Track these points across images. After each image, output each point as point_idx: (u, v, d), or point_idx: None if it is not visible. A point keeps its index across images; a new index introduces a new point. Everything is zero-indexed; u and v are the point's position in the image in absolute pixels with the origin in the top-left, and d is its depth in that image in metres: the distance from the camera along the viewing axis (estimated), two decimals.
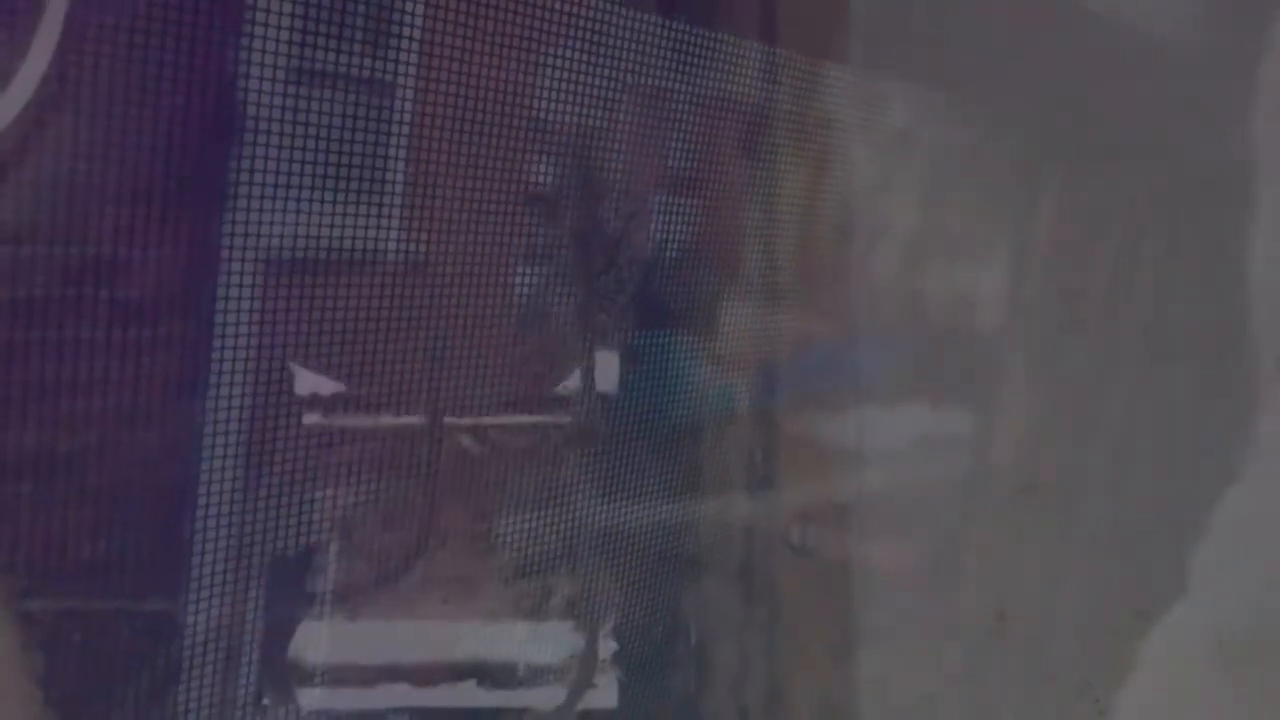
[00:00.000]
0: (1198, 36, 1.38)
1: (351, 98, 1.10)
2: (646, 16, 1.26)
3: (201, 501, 1.07)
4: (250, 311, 1.07)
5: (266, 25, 1.02)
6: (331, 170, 1.10)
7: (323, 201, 1.10)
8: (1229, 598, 1.36)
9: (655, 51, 1.28)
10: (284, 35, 1.03)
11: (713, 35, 1.34)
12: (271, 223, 1.05)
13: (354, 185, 1.12)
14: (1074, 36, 1.45)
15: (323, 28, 1.05)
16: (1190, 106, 1.41)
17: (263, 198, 1.04)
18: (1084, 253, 1.47)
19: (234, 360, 1.07)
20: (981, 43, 1.46)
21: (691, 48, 1.33)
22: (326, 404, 1.34)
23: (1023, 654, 1.45)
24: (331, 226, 1.11)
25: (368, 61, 1.10)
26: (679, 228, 1.43)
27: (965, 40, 1.46)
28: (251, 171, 1.03)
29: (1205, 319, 1.43)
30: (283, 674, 1.25)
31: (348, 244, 1.14)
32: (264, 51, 1.01)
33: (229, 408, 1.08)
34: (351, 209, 1.13)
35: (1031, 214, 1.47)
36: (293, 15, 1.03)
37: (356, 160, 1.11)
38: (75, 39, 0.89)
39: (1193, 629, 1.37)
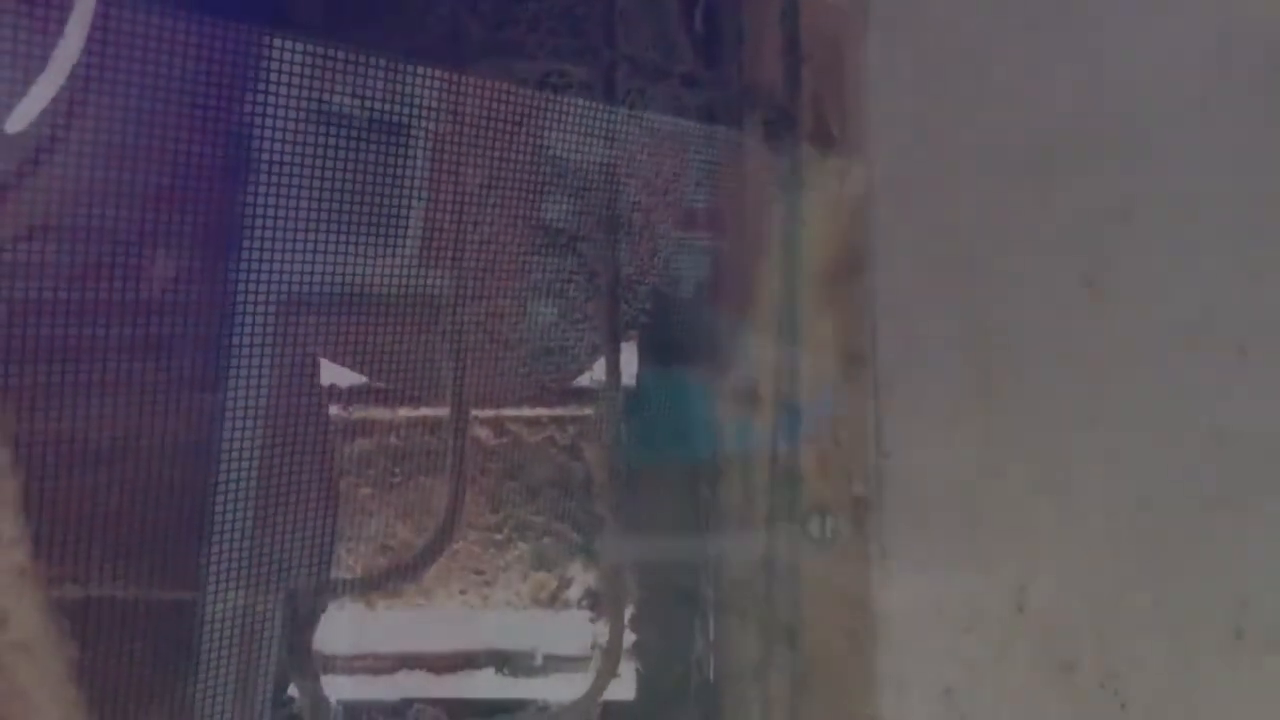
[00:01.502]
0: None
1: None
2: None
3: (227, 495, 1.08)
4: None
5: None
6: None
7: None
8: (1250, 588, 1.36)
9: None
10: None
11: None
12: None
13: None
14: None
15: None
16: None
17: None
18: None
19: (262, 364, 1.08)
20: None
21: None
22: (349, 397, 1.35)
23: (1041, 645, 1.45)
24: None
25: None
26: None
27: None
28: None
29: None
30: (306, 664, 1.26)
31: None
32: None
33: (255, 408, 1.09)
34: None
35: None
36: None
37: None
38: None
39: (1213, 620, 1.37)
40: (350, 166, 1.10)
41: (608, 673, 1.41)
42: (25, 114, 0.89)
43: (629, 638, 1.50)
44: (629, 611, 1.50)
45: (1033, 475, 1.45)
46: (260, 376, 1.09)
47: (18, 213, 0.90)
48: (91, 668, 0.88)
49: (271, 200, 1.06)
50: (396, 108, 1.13)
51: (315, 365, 1.21)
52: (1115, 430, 1.45)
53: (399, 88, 1.13)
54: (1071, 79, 1.46)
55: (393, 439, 1.38)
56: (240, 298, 1.06)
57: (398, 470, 1.38)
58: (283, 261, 1.07)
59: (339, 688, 1.39)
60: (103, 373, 0.92)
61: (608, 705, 1.46)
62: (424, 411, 1.36)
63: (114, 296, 0.94)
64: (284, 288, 1.09)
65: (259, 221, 1.05)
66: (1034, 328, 1.48)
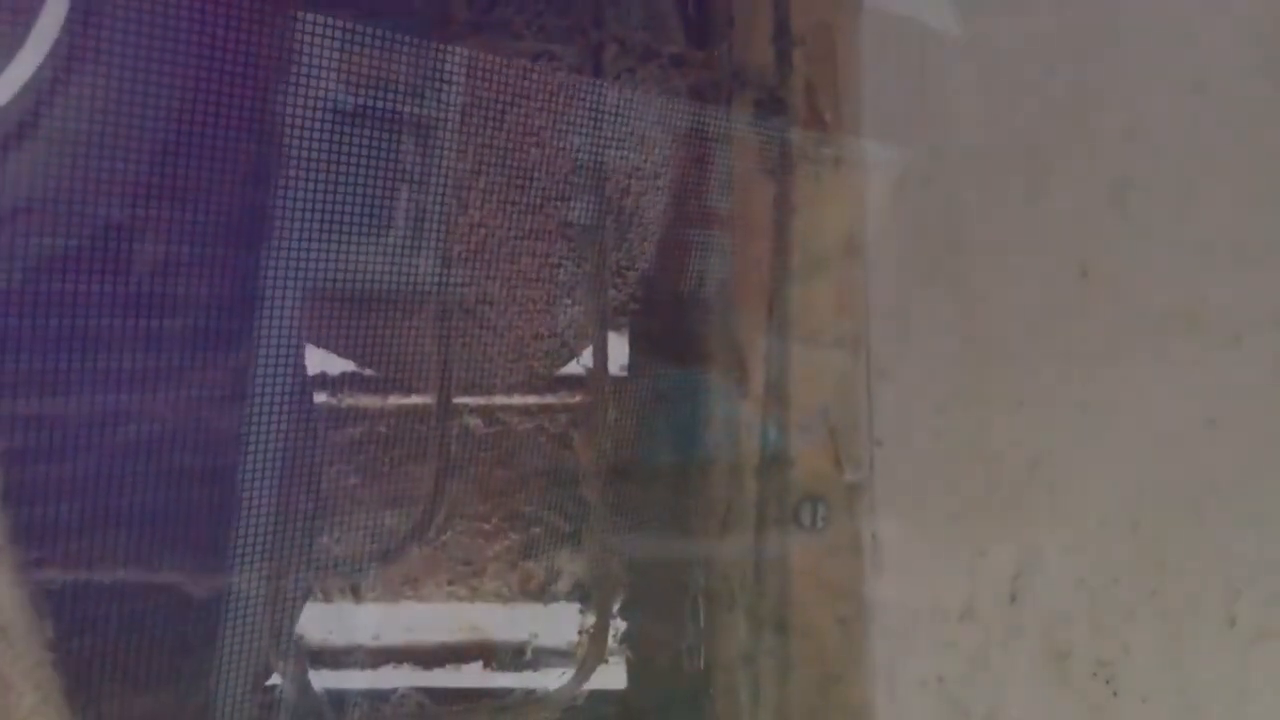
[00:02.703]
0: None
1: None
2: None
3: (219, 484, 1.07)
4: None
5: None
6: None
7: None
8: (1243, 577, 1.36)
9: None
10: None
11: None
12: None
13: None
14: None
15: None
16: None
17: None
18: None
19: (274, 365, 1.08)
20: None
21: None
22: (336, 384, 1.34)
23: (1035, 633, 1.44)
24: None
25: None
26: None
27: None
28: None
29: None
30: (290, 655, 1.25)
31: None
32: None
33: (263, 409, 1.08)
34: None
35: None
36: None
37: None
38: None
39: (1206, 608, 1.37)
40: (338, 150, 1.09)
41: (595, 658, 1.41)
42: (7, 86, 0.88)
43: (618, 625, 1.49)
44: (618, 599, 1.50)
45: (1026, 463, 1.45)
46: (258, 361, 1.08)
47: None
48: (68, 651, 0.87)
49: (254, 187, 1.05)
50: (384, 91, 1.12)
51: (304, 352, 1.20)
52: (1109, 418, 1.45)
53: (389, 70, 1.12)
54: (1068, 64, 1.46)
55: (379, 426, 1.37)
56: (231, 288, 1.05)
57: (387, 457, 1.38)
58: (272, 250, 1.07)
59: (323, 677, 1.38)
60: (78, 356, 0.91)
61: (598, 693, 1.45)
62: (416, 399, 1.35)
63: (92, 279, 0.93)
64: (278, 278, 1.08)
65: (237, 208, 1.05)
66: (1028, 315, 1.47)
